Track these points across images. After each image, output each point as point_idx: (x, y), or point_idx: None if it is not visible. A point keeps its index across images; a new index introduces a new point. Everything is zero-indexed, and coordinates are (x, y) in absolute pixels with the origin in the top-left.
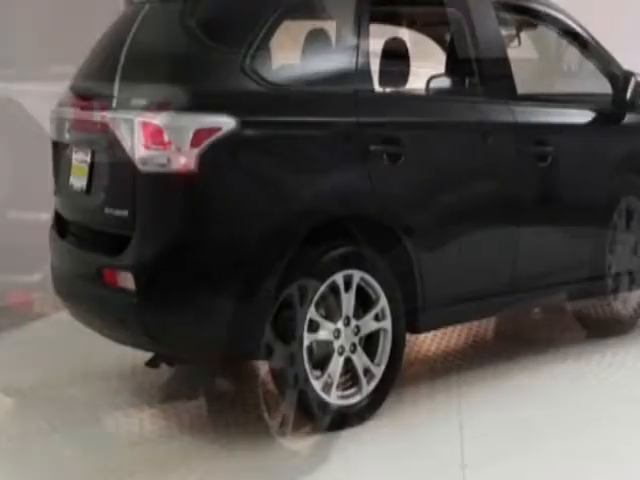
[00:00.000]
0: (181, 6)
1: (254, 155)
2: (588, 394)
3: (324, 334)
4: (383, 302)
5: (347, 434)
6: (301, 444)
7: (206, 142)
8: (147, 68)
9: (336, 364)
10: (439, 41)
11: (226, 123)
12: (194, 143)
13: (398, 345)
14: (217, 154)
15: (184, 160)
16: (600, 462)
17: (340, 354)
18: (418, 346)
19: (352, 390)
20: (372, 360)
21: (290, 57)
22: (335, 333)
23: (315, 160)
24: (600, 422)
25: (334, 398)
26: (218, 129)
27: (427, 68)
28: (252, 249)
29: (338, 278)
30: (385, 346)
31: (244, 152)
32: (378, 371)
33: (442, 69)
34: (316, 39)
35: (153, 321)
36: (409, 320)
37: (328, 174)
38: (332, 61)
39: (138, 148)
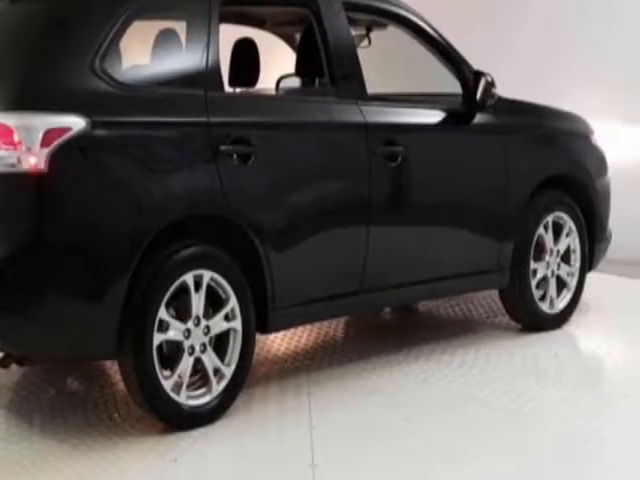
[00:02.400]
0: (32, 6)
1: (104, 155)
2: (438, 394)
3: (174, 334)
4: (233, 302)
5: (197, 434)
6: (151, 444)
7: (56, 142)
8: None
9: (186, 364)
10: (290, 41)
11: (76, 123)
12: (44, 143)
13: (248, 345)
14: (67, 154)
15: (34, 160)
16: (447, 463)
17: (190, 354)
18: (268, 346)
19: (202, 390)
20: (222, 360)
21: (141, 57)
22: (185, 333)
23: (165, 160)
24: (448, 423)
25: (184, 398)
26: (68, 129)
27: None
28: (101, 249)
29: (188, 278)
30: (235, 346)
31: (94, 152)
32: (228, 371)
33: None
34: (166, 40)
35: (2, 321)
36: (259, 320)
37: (178, 174)
38: (182, 61)
39: None
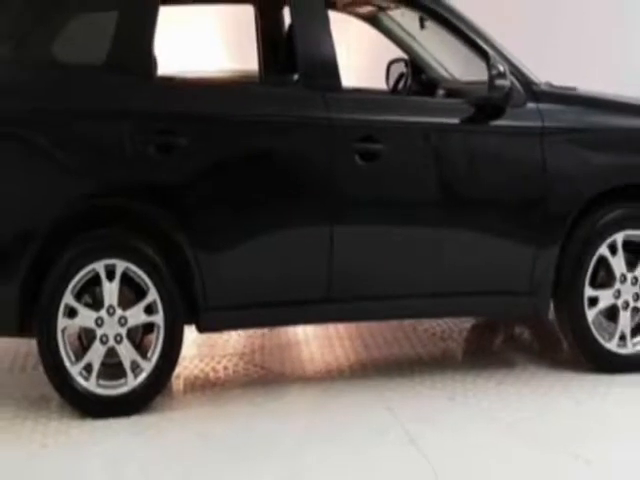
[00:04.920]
0: None
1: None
2: None
3: (82, 321)
4: (154, 295)
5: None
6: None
7: None
8: None
9: (97, 351)
10: None
11: None
12: None
13: (173, 341)
14: None
15: None
16: None
17: (104, 343)
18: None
19: (118, 381)
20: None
21: None
22: (98, 321)
23: (83, 155)
24: None
25: (93, 385)
26: None
27: None
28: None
29: (99, 267)
30: (157, 341)
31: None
32: (148, 365)
33: None
34: None
35: None
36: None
37: (100, 167)
38: None
39: None
